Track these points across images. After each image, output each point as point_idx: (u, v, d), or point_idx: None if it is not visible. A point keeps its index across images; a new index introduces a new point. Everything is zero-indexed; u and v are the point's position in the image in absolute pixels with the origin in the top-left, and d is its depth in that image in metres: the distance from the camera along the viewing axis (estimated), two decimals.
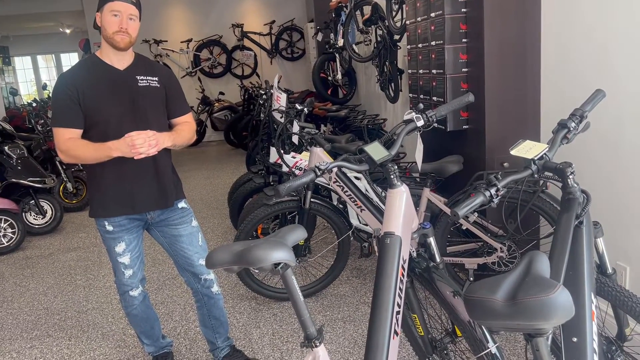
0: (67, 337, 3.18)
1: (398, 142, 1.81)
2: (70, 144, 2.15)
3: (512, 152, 1.68)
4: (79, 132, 2.19)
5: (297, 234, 1.43)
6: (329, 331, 2.98)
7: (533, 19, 2.95)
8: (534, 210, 2.69)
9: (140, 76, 2.28)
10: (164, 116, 2.36)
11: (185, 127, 2.39)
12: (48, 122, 6.37)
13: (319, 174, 1.67)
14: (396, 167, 1.75)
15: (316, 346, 1.41)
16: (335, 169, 3.06)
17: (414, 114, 1.86)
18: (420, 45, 3.55)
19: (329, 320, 3.10)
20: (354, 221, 3.45)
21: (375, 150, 1.74)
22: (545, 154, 1.63)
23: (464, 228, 2.97)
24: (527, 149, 1.66)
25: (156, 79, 2.32)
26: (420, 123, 1.84)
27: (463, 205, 1.52)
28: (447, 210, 2.94)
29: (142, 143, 2.06)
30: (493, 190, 1.55)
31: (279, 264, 1.31)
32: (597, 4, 2.51)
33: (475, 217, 2.92)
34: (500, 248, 2.86)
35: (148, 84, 2.29)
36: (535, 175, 1.62)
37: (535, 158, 1.62)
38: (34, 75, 18.40)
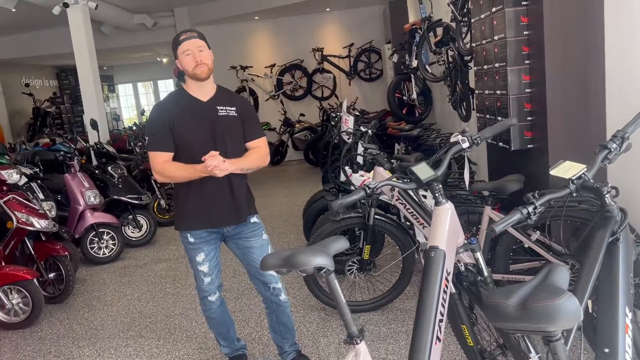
0: (157, 338, 3.55)
1: (444, 162, 1.96)
2: (165, 166, 2.50)
3: (552, 172, 1.78)
4: (171, 154, 2.54)
5: (339, 244, 1.63)
6: (391, 343, 3.12)
7: (596, 40, 2.96)
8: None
9: (220, 106, 2.59)
10: (240, 141, 2.65)
11: (254, 152, 2.65)
12: (145, 144, 7.03)
13: (368, 192, 1.85)
14: (441, 186, 1.89)
15: (357, 344, 1.59)
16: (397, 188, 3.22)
17: (460, 136, 2.00)
18: (485, 67, 3.64)
19: (393, 333, 3.23)
20: (420, 238, 3.57)
21: (422, 170, 1.91)
22: (583, 173, 1.71)
23: (527, 246, 3.00)
24: (565, 169, 1.75)
25: (234, 108, 2.62)
26: (466, 145, 1.98)
27: (499, 222, 1.65)
28: (510, 228, 2.99)
29: (211, 164, 2.35)
30: (530, 209, 1.66)
31: (322, 268, 1.51)
32: None
33: (538, 235, 2.95)
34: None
35: (227, 113, 2.60)
36: (574, 195, 1.70)
37: (573, 178, 1.70)
38: (134, 101, 20.08)
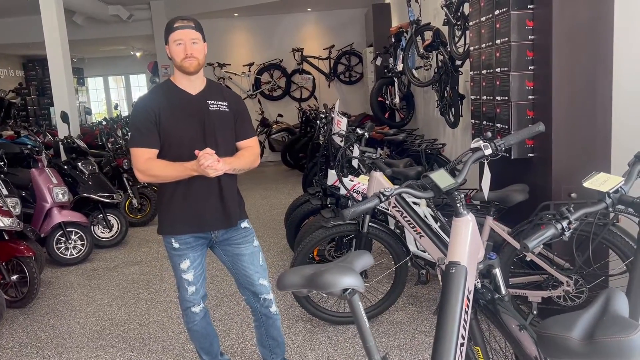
0: (130, 349, 3.29)
1: (465, 170, 1.80)
2: (150, 164, 2.27)
3: (585, 184, 1.64)
4: (156, 152, 2.31)
5: (365, 260, 1.44)
6: None
7: (604, 47, 2.87)
8: (603, 243, 2.59)
9: (211, 101, 2.38)
10: (232, 139, 2.45)
11: (246, 152, 2.45)
12: (118, 140, 6.71)
13: (383, 199, 1.68)
14: (462, 195, 1.73)
15: None
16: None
17: (481, 142, 1.84)
18: (484, 72, 3.52)
19: (385, 348, 3.06)
20: (412, 247, 3.41)
21: (441, 178, 1.73)
22: (620, 187, 1.58)
23: (528, 259, 2.88)
24: (601, 182, 1.61)
25: (226, 104, 2.42)
26: (488, 152, 1.82)
27: (533, 238, 1.50)
28: (511, 240, 2.86)
29: (205, 163, 2.14)
30: (565, 223, 1.51)
31: (347, 289, 1.32)
32: None
33: (540, 248, 2.83)
34: (567, 282, 2.75)
35: (218, 108, 2.39)
36: (610, 209, 1.57)
37: (611, 191, 1.57)
38: (104, 95, 19.47)
